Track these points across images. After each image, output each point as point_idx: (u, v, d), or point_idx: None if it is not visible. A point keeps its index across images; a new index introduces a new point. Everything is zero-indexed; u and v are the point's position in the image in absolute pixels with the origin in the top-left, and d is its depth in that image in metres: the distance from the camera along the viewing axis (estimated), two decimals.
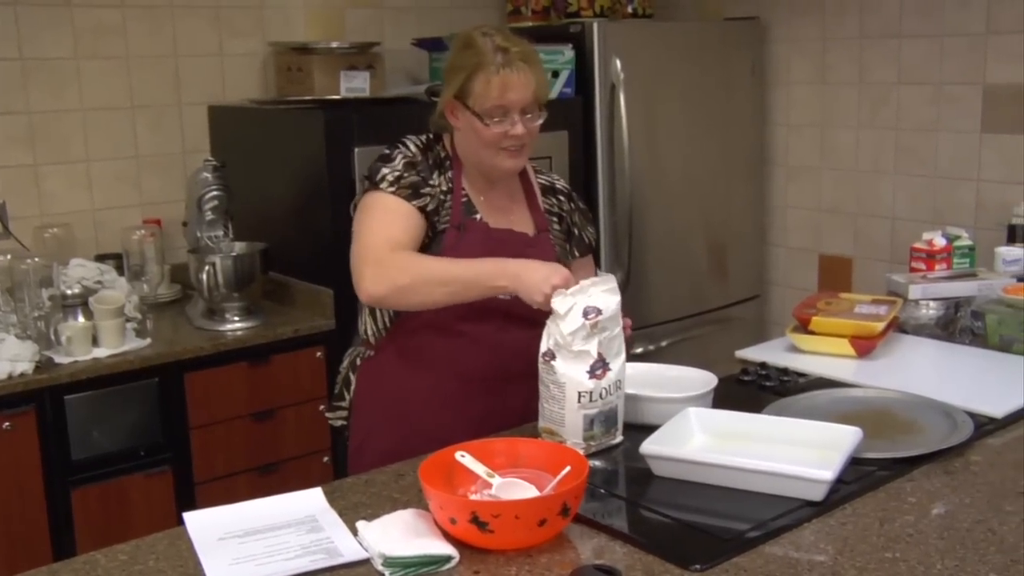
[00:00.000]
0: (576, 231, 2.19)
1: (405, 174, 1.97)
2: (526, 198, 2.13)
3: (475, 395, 2.03)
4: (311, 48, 3.29)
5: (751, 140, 3.89)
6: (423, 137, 2.07)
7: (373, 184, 1.98)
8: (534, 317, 1.84)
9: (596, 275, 1.89)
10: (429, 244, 1.99)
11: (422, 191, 1.98)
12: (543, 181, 2.18)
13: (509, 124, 1.96)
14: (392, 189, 1.96)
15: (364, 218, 1.99)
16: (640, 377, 1.98)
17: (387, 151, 2.03)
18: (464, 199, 2.04)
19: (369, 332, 2.10)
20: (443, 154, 2.06)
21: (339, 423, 2.19)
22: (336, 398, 2.19)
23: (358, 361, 2.13)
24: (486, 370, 2.03)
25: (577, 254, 2.18)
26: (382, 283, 1.90)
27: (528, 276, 1.83)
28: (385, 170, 1.98)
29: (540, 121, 2.01)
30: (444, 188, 2.01)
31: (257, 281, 3.04)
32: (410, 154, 2.02)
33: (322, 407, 2.23)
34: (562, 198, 2.19)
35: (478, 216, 2.04)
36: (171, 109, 3.43)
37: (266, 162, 3.26)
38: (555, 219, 2.16)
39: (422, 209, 1.97)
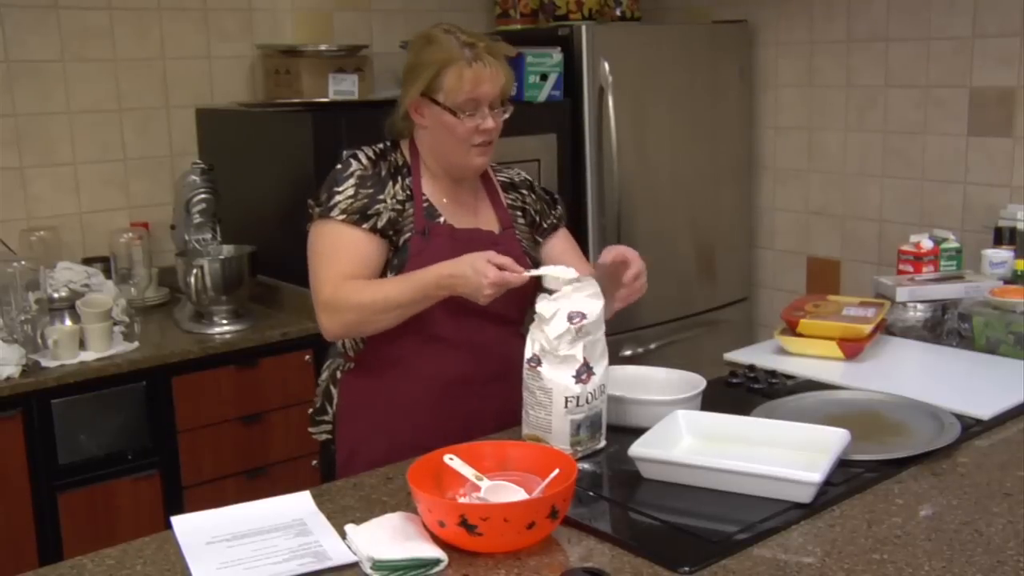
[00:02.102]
0: (538, 219, 2.17)
1: (355, 196, 1.96)
2: (489, 196, 2.13)
3: (458, 398, 2.02)
4: (299, 51, 3.28)
5: (739, 143, 3.90)
6: (378, 146, 2.06)
7: (324, 212, 1.97)
8: (508, 315, 1.84)
9: (577, 247, 1.89)
10: (394, 256, 1.98)
11: (370, 211, 1.96)
12: (503, 178, 2.17)
13: (480, 118, 1.96)
14: (342, 217, 1.95)
15: (314, 253, 2.00)
16: (628, 380, 1.98)
17: (339, 165, 2.02)
18: (425, 204, 2.02)
19: (347, 344, 2.09)
20: (400, 161, 2.04)
21: (323, 437, 2.16)
22: (318, 412, 2.16)
23: (338, 374, 2.12)
24: (467, 372, 2.02)
25: (541, 240, 2.16)
26: (335, 324, 1.96)
27: (464, 285, 1.84)
28: (337, 196, 1.97)
29: (507, 115, 2.02)
30: (401, 197, 2.00)
31: (245, 284, 3.03)
32: (362, 167, 2.00)
33: (310, 412, 2.21)
34: (524, 191, 2.18)
35: (441, 219, 2.02)
36: (159, 112, 3.42)
37: (254, 165, 3.25)
38: (519, 213, 2.15)
39: (373, 228, 1.96)
